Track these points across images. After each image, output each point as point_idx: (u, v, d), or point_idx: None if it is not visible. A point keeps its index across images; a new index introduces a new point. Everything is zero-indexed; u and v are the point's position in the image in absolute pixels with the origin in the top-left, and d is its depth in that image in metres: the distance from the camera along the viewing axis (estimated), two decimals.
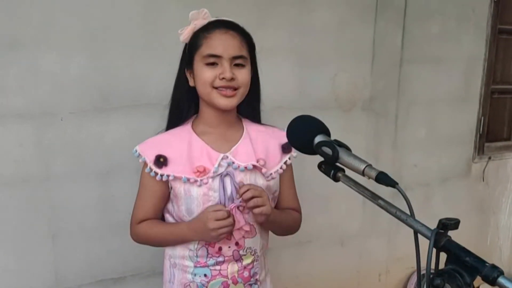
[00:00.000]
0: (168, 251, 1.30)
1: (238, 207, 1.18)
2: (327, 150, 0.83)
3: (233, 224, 1.17)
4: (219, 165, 1.19)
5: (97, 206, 1.71)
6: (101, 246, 1.74)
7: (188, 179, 1.18)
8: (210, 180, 1.18)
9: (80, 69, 1.61)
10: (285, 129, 1.32)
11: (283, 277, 2.17)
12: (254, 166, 1.21)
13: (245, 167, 1.20)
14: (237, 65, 1.18)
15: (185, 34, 1.22)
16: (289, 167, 1.30)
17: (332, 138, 0.87)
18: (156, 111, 1.68)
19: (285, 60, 1.99)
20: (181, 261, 1.26)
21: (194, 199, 1.19)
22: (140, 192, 1.28)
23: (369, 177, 0.77)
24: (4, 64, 1.51)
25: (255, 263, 1.28)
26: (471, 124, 2.62)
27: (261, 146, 1.25)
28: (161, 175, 1.19)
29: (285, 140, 1.28)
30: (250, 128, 1.28)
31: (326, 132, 0.88)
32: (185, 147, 1.20)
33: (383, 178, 0.75)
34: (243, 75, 1.18)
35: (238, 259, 1.25)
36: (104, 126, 1.67)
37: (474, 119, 2.62)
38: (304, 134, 0.89)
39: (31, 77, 1.55)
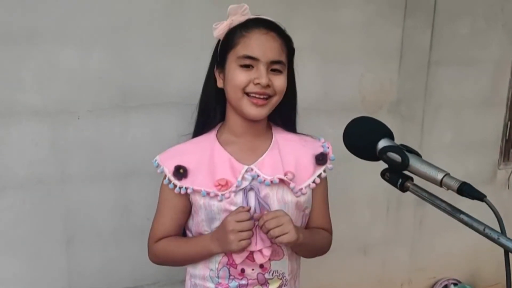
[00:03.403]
0: (190, 269, 1.21)
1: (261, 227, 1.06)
2: (394, 157, 0.74)
3: (253, 228, 1.05)
4: (243, 178, 1.08)
5: (114, 210, 1.61)
6: (117, 252, 1.64)
7: (208, 193, 1.07)
8: (232, 194, 1.07)
9: (99, 65, 1.51)
10: (320, 137, 1.21)
11: (303, 286, 2.07)
12: (281, 180, 1.09)
13: (271, 181, 1.08)
14: (274, 70, 1.07)
15: (220, 30, 1.10)
16: (323, 181, 1.17)
17: None
18: (177, 111, 1.60)
19: (311, 60, 1.88)
20: (202, 281, 1.17)
21: (215, 214, 1.09)
22: (159, 207, 1.19)
23: (449, 188, 0.68)
24: (20, 58, 1.42)
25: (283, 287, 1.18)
26: (498, 129, 2.51)
27: (290, 158, 1.13)
28: (180, 188, 1.09)
29: (319, 150, 1.16)
30: (279, 137, 1.17)
31: (390, 136, 0.79)
32: (206, 158, 1.10)
33: (467, 190, 0.66)
34: (279, 82, 1.08)
35: (263, 283, 1.14)
36: (124, 126, 1.58)
37: (501, 124, 2.52)
38: (364, 137, 0.80)
39: (48, 73, 1.45)
